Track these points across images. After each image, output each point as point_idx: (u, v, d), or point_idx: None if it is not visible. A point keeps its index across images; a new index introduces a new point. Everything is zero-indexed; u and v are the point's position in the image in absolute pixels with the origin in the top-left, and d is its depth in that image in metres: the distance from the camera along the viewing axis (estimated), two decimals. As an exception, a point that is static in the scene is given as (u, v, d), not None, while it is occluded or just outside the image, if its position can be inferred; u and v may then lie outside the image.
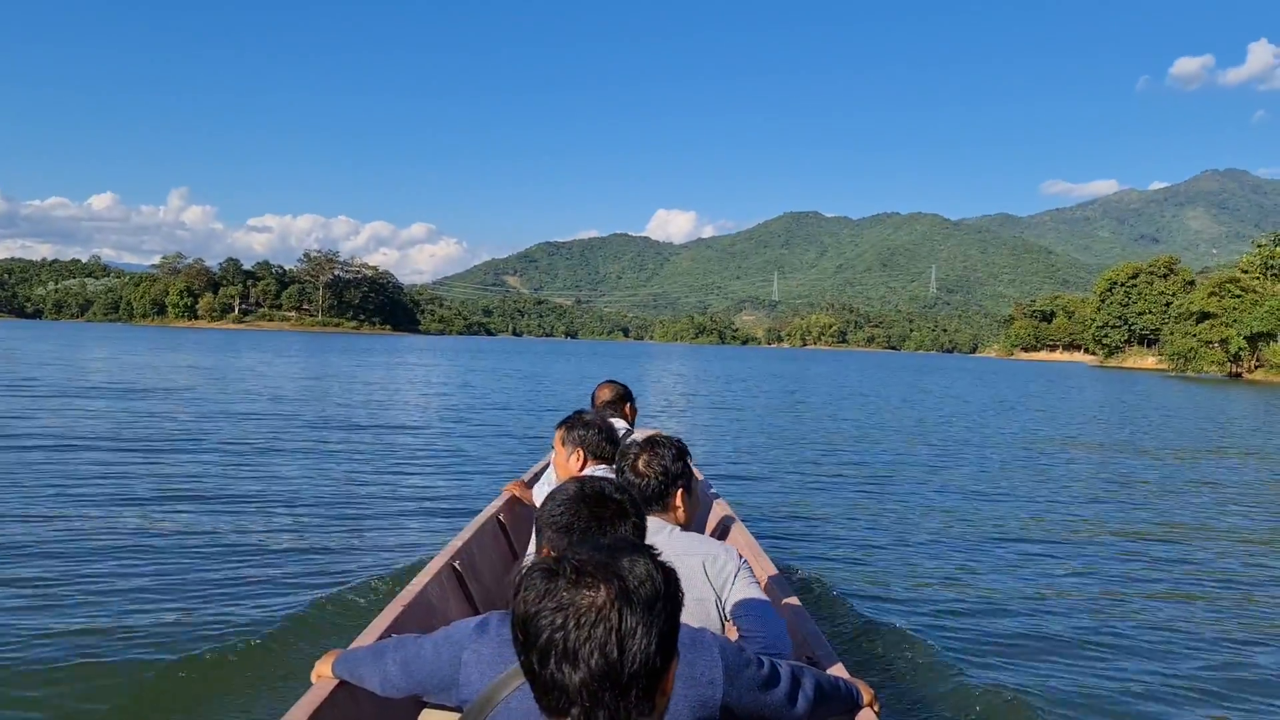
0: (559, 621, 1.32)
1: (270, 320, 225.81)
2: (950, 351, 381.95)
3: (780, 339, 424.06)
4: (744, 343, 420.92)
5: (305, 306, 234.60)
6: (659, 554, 1.47)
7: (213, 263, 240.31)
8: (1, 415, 18.43)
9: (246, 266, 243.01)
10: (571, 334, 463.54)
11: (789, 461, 16.98)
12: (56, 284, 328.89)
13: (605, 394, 5.36)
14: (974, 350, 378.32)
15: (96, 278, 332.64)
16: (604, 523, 2.33)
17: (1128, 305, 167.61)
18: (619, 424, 5.13)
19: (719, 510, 6.07)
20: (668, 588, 1.42)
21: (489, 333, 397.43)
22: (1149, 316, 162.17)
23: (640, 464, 3.12)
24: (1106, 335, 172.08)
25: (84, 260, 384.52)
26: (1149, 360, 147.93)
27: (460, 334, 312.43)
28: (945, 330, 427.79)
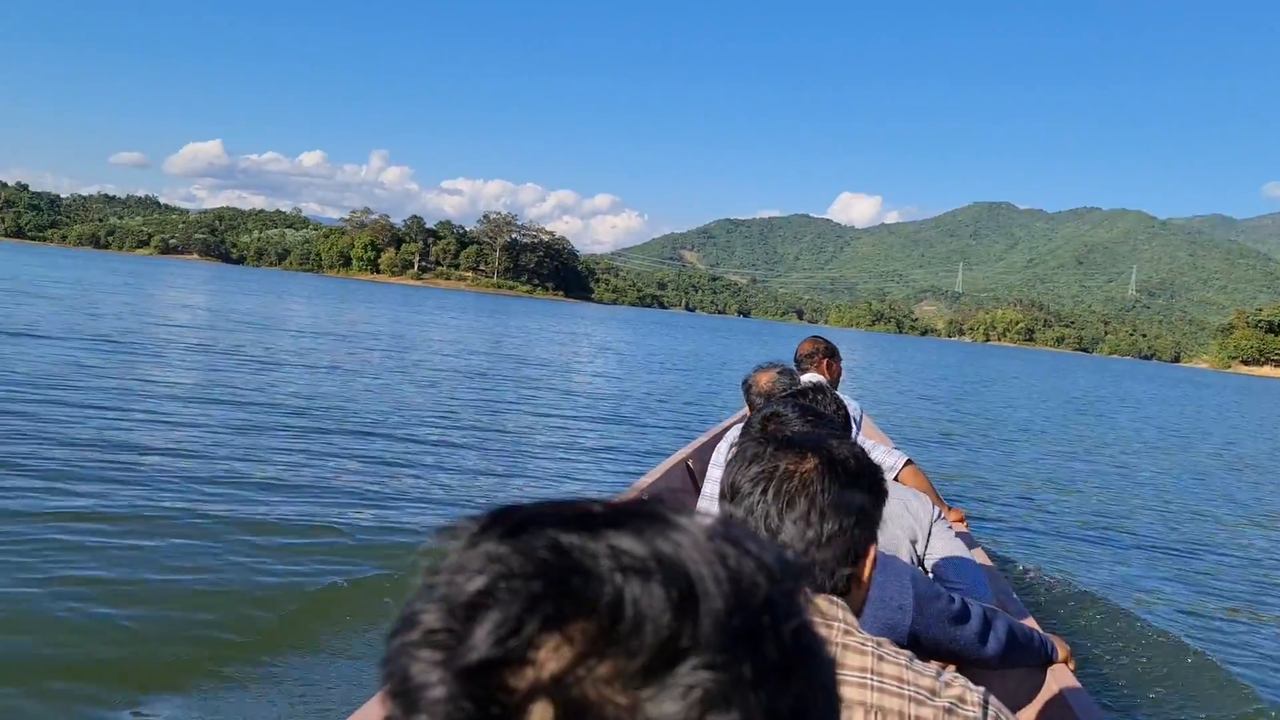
0: (763, 488, 1.37)
1: (447, 279, 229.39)
2: (1149, 359, 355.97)
3: (962, 332, 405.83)
4: (923, 333, 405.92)
5: (482, 268, 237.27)
6: (865, 450, 1.50)
7: (399, 220, 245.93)
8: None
9: (430, 225, 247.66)
10: (744, 312, 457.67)
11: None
12: (260, 233, 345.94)
13: (805, 347, 5.12)
14: (1176, 359, 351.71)
15: (296, 229, 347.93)
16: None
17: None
18: (813, 378, 4.66)
19: (953, 517, 5.67)
20: (872, 472, 1.46)
21: (662, 305, 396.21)
22: None
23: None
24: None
25: (286, 212, 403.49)
26: None
27: (633, 304, 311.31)
28: (1144, 335, 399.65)
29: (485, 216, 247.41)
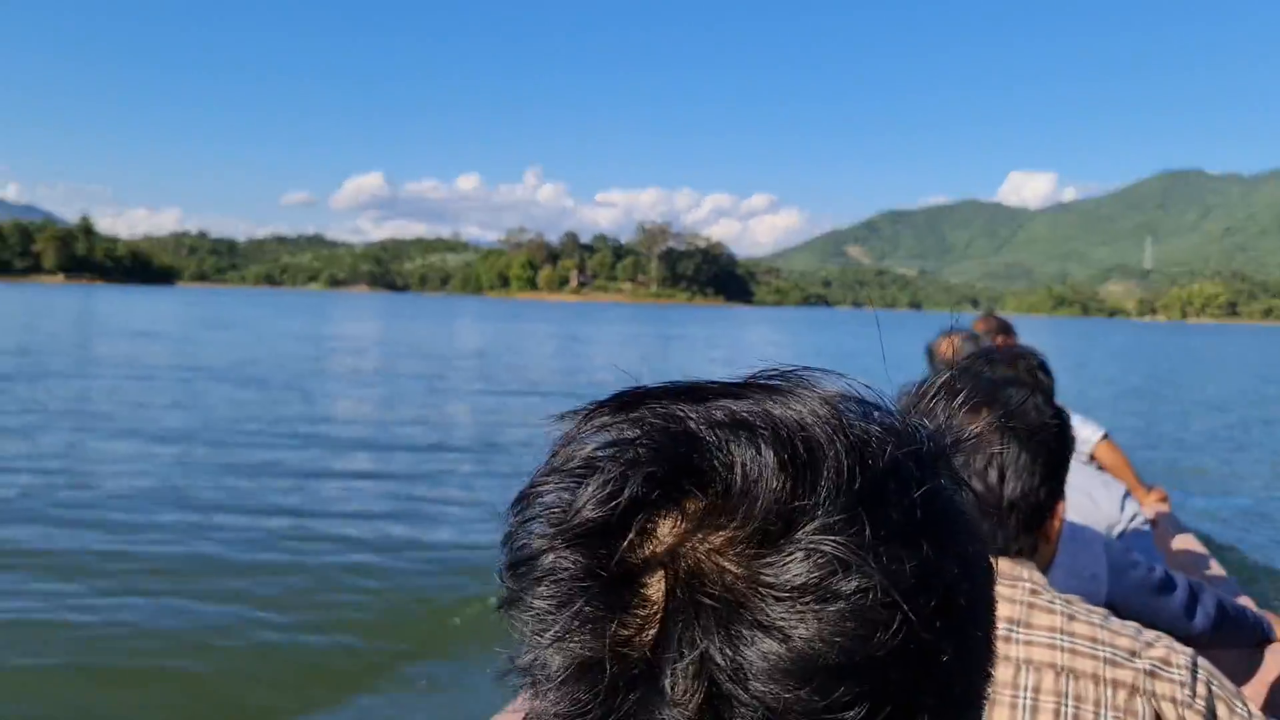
0: None
1: (605, 291, 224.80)
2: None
3: (1154, 311, 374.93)
4: (1110, 315, 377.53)
5: (640, 278, 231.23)
6: (1052, 395, 1.37)
7: (554, 237, 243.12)
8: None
9: (585, 240, 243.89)
10: (915, 305, 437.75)
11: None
12: (422, 260, 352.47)
13: (979, 325, 4.92)
14: None
15: (457, 253, 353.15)
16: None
17: None
18: None
19: (1184, 543, 5.64)
20: (1056, 422, 1.40)
21: (827, 304, 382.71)
22: None
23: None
24: None
25: (446, 237, 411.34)
26: None
27: (796, 305, 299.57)
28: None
29: (640, 227, 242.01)
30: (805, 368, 0.49)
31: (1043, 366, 2.58)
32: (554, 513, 0.45)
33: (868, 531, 0.43)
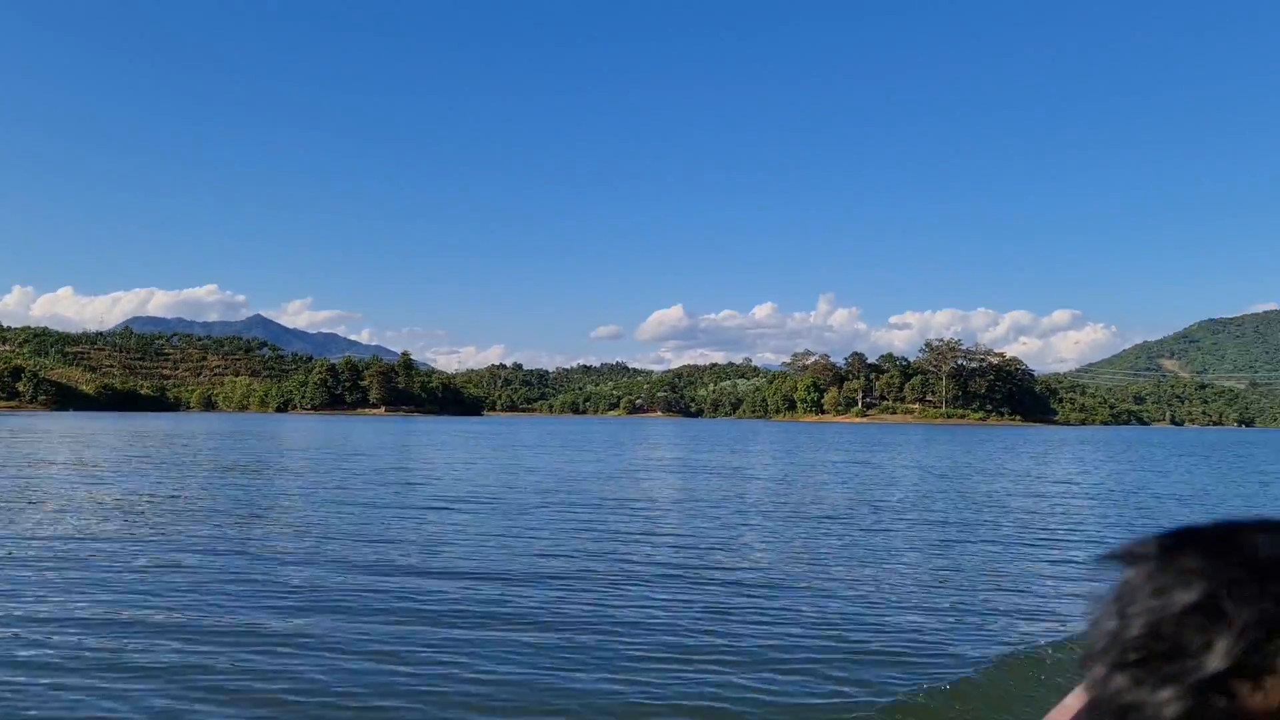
0: None
1: (893, 413, 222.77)
2: None
3: None
4: None
5: (929, 397, 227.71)
6: None
7: (839, 359, 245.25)
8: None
9: (872, 360, 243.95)
10: (1246, 422, 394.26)
11: None
12: (715, 385, 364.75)
13: None
14: None
15: (747, 379, 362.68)
16: None
17: None
18: None
19: None
20: None
21: (1141, 421, 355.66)
22: None
23: None
24: None
25: (737, 363, 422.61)
26: None
27: (1105, 423, 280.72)
28: None
29: (928, 344, 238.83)
30: None
31: None
32: (1156, 661, 0.43)
33: None
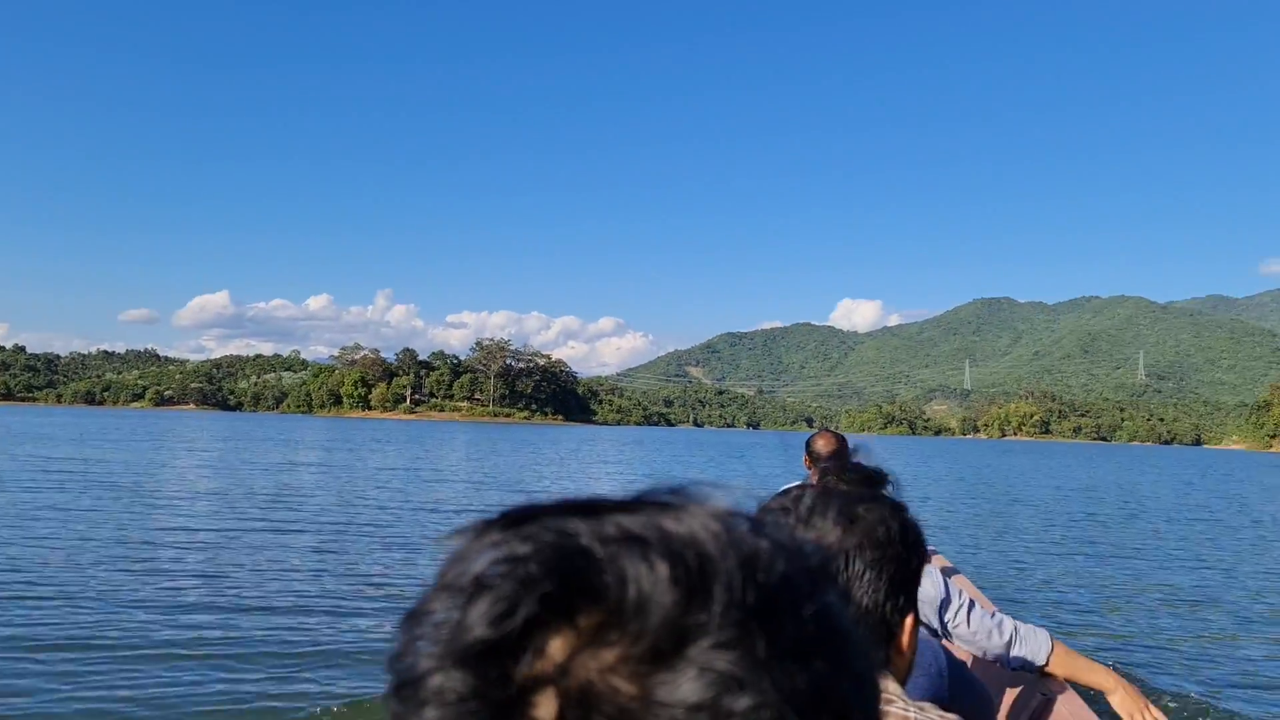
0: None
1: (441, 410, 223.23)
2: (1169, 443, 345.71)
3: (976, 429, 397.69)
4: (936, 433, 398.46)
5: (477, 396, 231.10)
6: (904, 507, 1.45)
7: (390, 355, 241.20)
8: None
9: (422, 357, 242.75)
10: (754, 424, 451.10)
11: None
12: (259, 377, 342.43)
13: (823, 445, 4.91)
14: (1198, 441, 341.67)
15: (295, 371, 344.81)
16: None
17: None
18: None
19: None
20: (904, 535, 1.40)
21: (669, 423, 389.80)
22: None
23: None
24: None
25: (285, 355, 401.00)
26: None
27: (638, 424, 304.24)
28: (1162, 420, 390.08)
29: (478, 344, 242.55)
30: (696, 483, 0.48)
31: (893, 482, 2.53)
32: (442, 632, 0.43)
33: (761, 648, 0.42)
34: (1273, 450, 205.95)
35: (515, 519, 0.46)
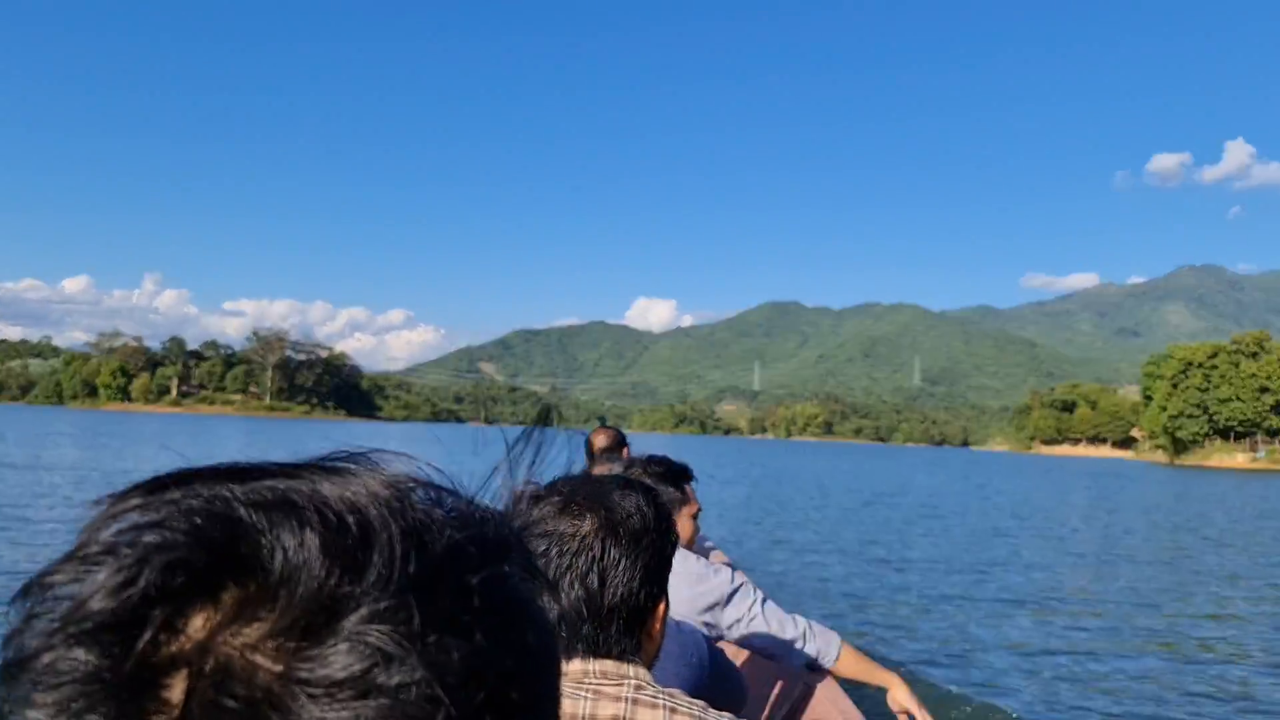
0: (541, 549, 1.30)
1: (211, 404, 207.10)
2: (941, 444, 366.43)
3: (764, 429, 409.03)
4: (726, 433, 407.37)
5: (253, 389, 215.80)
6: (658, 494, 1.45)
7: (156, 343, 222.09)
8: None
9: (193, 347, 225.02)
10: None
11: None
12: (3, 364, 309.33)
13: (602, 440, 5.10)
14: (965, 443, 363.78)
15: (45, 358, 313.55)
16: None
17: (1207, 391, 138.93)
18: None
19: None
20: (658, 523, 1.39)
21: (459, 420, 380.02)
22: (1237, 405, 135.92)
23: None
24: (1180, 427, 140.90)
25: (34, 341, 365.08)
26: (1239, 458, 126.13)
27: (426, 420, 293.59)
28: (935, 423, 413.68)
29: (255, 334, 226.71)
30: (378, 450, 0.45)
31: (662, 474, 2.74)
32: (61, 605, 0.38)
33: (417, 620, 0.40)
34: (1033, 451, 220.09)
35: (163, 483, 0.42)
